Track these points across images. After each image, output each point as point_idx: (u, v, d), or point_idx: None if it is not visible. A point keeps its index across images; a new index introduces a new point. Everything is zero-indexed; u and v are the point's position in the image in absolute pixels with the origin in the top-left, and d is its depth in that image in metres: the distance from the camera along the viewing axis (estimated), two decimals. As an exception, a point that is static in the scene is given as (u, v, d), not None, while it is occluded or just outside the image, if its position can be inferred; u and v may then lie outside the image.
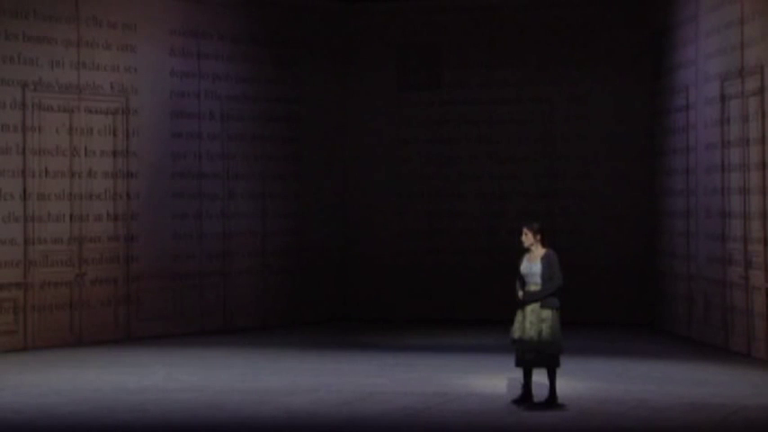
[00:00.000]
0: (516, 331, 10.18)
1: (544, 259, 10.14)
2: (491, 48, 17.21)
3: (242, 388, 11.36)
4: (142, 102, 15.25)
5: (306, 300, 16.93)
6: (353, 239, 17.55)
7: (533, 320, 10.09)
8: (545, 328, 10.07)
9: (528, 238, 10.21)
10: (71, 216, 14.53)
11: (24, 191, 14.11)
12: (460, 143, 17.37)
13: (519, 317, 10.18)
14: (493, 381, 11.53)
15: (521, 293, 10.16)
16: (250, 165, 16.51)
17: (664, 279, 16.03)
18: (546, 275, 10.11)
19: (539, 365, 10.21)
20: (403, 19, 17.53)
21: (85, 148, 14.70)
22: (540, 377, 10.33)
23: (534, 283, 10.15)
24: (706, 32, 14.63)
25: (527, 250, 10.25)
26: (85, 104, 14.69)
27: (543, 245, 10.24)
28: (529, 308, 10.15)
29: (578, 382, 11.51)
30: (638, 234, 16.67)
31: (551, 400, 10.22)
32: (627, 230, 16.77)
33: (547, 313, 10.08)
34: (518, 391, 10.43)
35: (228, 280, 16.15)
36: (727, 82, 13.95)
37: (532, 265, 10.18)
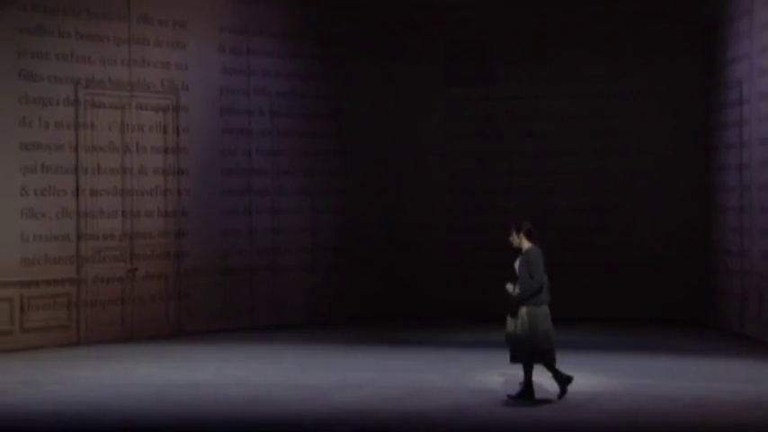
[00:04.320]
0: (506, 327, 10.30)
1: (522, 256, 10.29)
2: (540, 42, 17.11)
3: (291, 383, 11.40)
4: (192, 98, 15.36)
5: (354, 296, 16.95)
6: (402, 236, 17.54)
7: (517, 316, 10.22)
8: (519, 324, 10.17)
9: (513, 238, 10.37)
10: (122, 212, 14.67)
11: (77, 187, 14.27)
12: (509, 139, 17.29)
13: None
14: (541, 377, 11.48)
15: (509, 287, 10.28)
16: (299, 161, 16.56)
17: (717, 275, 15.85)
18: (523, 273, 10.20)
19: (516, 360, 10.26)
20: (451, 14, 17.48)
21: (137, 145, 14.84)
22: (538, 372, 10.32)
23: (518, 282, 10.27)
24: (760, 26, 14.43)
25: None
26: (137, 101, 14.82)
27: (532, 242, 10.30)
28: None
29: (630, 379, 11.42)
30: (691, 230, 16.49)
31: (523, 394, 10.21)
32: (679, 226, 16.60)
33: (523, 310, 10.14)
34: (563, 389, 10.38)
35: (277, 276, 16.21)
36: (782, 76, 13.76)
37: (517, 262, 10.29)
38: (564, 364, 12.56)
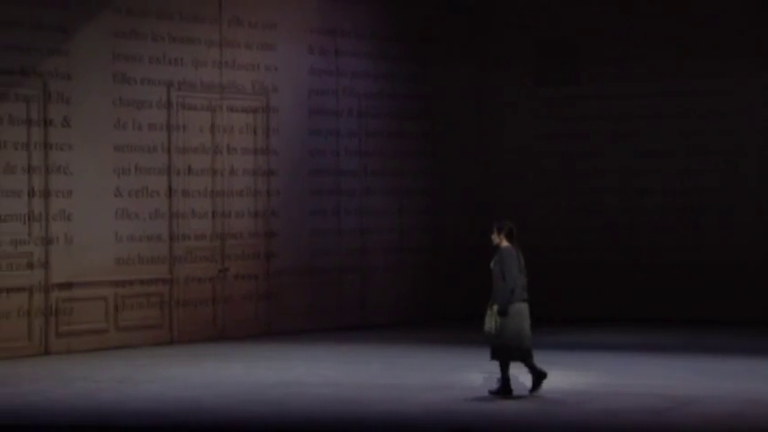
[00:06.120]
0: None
1: (496, 256, 10.42)
2: (630, 42, 16.88)
3: (380, 383, 11.42)
4: (282, 100, 15.48)
5: (442, 296, 16.92)
6: (490, 236, 17.41)
7: (490, 314, 10.38)
8: (492, 322, 10.28)
9: (493, 237, 10.52)
10: (213, 213, 14.85)
11: (169, 188, 14.48)
12: (599, 138, 17.09)
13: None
14: (639, 380, 11.32)
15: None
16: (387, 161, 16.59)
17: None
18: (496, 272, 10.35)
19: (495, 357, 10.41)
20: (541, 14, 17.33)
21: (227, 146, 15.00)
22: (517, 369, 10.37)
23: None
24: None
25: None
26: (227, 103, 14.99)
27: (510, 242, 10.42)
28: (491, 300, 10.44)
29: (726, 382, 11.21)
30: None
31: (502, 390, 10.31)
32: (774, 227, 16.24)
33: (495, 308, 10.33)
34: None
35: (366, 276, 16.25)
36: None
37: (492, 261, 10.48)
38: (656, 366, 12.40)
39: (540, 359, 12.93)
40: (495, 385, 10.51)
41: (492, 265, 10.44)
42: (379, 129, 16.53)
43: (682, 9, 16.72)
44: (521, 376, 10.74)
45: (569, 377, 11.79)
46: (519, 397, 10.49)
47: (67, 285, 13.60)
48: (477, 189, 17.51)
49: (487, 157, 17.54)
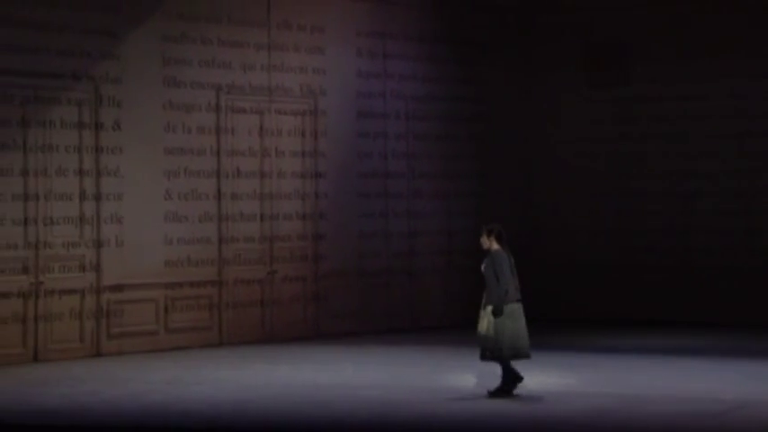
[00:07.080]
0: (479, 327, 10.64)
1: (487, 259, 10.50)
2: (681, 42, 16.72)
3: (429, 386, 11.40)
4: (330, 103, 15.51)
5: (491, 299, 16.84)
6: (540, 238, 17.36)
7: (482, 316, 10.52)
8: (486, 324, 10.40)
9: (483, 240, 10.61)
10: (261, 215, 14.91)
11: (218, 191, 14.56)
12: (651, 140, 16.95)
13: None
14: (691, 383, 11.19)
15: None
16: (435, 164, 16.57)
17: None
18: (489, 275, 10.41)
19: (487, 358, 10.51)
20: (590, 14, 17.23)
21: (276, 149, 15.07)
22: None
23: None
24: None
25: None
26: (276, 106, 15.05)
27: (500, 245, 10.52)
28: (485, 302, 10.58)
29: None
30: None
31: (501, 391, 10.44)
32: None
33: (488, 309, 10.45)
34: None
35: (414, 279, 16.24)
36: None
37: (483, 264, 10.57)
38: (708, 370, 12.28)
39: (589, 362, 12.86)
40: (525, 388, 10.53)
41: (483, 268, 10.56)
42: (426, 131, 16.51)
43: (733, 8, 16.52)
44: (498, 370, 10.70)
45: (621, 380, 11.70)
46: (563, 402, 10.41)
47: (118, 287, 13.72)
48: (526, 191, 17.43)
49: (536, 160, 17.46)
